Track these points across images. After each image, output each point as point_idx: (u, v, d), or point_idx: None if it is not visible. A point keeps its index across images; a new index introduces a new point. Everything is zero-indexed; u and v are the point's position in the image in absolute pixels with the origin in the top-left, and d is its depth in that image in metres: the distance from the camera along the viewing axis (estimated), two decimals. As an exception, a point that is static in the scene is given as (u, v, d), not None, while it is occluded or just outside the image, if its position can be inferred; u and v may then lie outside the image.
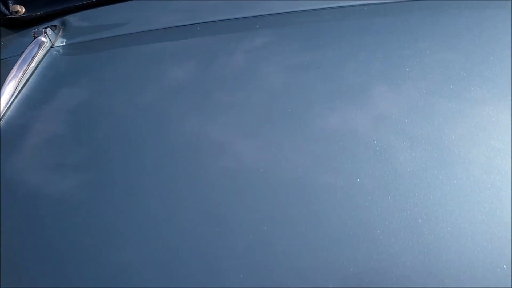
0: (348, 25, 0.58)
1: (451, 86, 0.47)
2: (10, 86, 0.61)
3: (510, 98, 0.45)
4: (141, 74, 0.60)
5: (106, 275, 0.42)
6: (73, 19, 0.73)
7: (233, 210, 0.43)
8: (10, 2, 0.76)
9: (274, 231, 0.41)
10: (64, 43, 0.69)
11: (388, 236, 0.39)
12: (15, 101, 0.61)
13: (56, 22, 0.73)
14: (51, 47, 0.68)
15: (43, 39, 0.68)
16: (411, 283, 0.36)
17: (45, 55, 0.67)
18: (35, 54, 0.65)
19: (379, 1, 0.59)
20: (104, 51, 0.67)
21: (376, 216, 0.40)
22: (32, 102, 0.61)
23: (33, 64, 0.65)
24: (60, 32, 0.71)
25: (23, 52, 0.65)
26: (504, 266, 0.36)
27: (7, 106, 0.60)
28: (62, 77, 0.64)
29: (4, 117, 0.59)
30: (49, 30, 0.69)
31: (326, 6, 0.60)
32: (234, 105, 0.52)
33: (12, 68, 0.63)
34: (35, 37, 0.68)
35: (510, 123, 0.44)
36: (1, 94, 0.60)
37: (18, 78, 0.62)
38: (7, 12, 0.75)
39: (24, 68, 0.63)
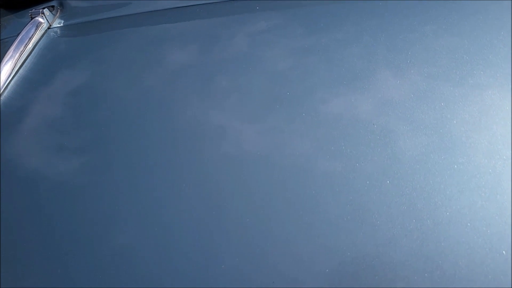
0: (351, 9, 0.57)
1: (454, 70, 0.47)
2: (7, 67, 0.61)
3: (513, 83, 0.45)
4: (140, 56, 0.59)
5: (106, 257, 0.42)
6: (71, 0, 0.72)
7: (232, 193, 0.43)
8: (7, -18, 0.75)
9: (273, 215, 0.41)
10: (61, 24, 0.68)
11: (387, 220, 0.38)
12: (12, 82, 0.60)
13: (54, 2, 0.72)
14: (48, 28, 0.68)
15: (40, 19, 0.67)
16: (409, 267, 0.36)
17: (42, 36, 0.66)
18: (32, 35, 0.64)
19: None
20: (103, 32, 0.66)
21: (375, 201, 0.39)
22: (29, 84, 0.60)
23: (30, 45, 0.64)
24: (58, 13, 0.70)
25: (20, 33, 0.65)
26: (504, 251, 0.36)
27: (4, 86, 0.59)
28: (59, 58, 0.63)
29: (1, 98, 0.58)
30: (46, 11, 0.68)
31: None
32: (234, 89, 0.52)
33: (9, 49, 0.62)
34: (32, 18, 0.67)
35: (513, 108, 0.43)
36: None
37: (15, 59, 0.61)
38: (4, -8, 0.74)
39: (21, 49, 0.63)
